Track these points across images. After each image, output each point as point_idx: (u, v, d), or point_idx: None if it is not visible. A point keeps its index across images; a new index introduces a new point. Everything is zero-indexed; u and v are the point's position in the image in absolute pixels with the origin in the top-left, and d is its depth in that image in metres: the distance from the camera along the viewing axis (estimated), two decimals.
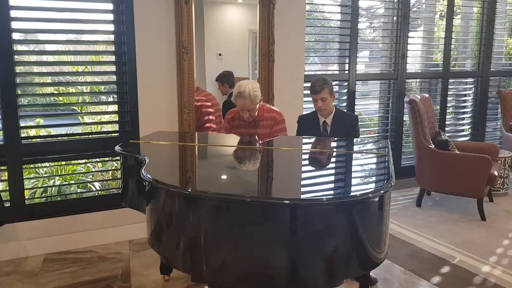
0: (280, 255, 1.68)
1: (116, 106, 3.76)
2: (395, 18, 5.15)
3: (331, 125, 3.35)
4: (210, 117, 4.05)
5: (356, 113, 5.11)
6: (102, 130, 3.89)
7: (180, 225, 1.80)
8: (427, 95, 4.72)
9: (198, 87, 4.05)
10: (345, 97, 4.99)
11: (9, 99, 3.24)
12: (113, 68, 3.69)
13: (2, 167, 3.34)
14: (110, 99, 4.11)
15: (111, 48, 3.63)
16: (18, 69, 3.33)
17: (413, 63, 5.48)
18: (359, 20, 4.81)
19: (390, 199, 1.87)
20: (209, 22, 4.13)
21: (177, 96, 3.77)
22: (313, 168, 2.50)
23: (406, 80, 5.32)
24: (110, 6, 3.54)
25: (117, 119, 3.77)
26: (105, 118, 4.19)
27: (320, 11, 4.89)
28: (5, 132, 3.27)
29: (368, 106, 5.56)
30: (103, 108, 4.33)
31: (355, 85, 5.02)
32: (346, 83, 4.94)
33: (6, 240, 3.36)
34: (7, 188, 3.38)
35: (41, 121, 4.41)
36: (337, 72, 5.00)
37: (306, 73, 4.42)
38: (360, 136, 3.47)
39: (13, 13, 3.23)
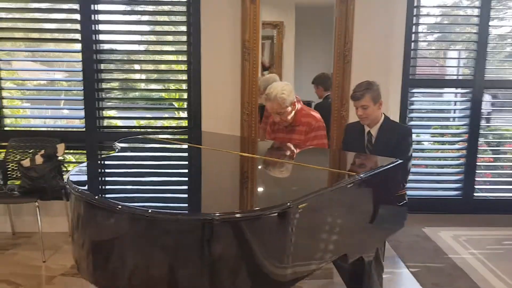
0: (158, 267, 1.54)
1: (186, 103, 3.94)
2: None
3: (376, 137, 2.82)
4: None
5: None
6: (175, 125, 4.08)
7: (78, 226, 1.82)
8: None
9: None
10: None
11: (90, 92, 3.76)
12: (184, 67, 3.87)
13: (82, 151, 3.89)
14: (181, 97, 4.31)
15: (184, 48, 3.82)
16: (103, 66, 3.81)
17: None
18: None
19: (304, 215, 1.56)
20: None
21: (240, 97, 3.72)
22: (241, 180, 2.17)
23: None
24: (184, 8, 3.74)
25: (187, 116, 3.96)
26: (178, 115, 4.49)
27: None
28: (86, 121, 3.78)
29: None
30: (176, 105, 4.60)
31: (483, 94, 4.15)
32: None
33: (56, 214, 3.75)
34: None
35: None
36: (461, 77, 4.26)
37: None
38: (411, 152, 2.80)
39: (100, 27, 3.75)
